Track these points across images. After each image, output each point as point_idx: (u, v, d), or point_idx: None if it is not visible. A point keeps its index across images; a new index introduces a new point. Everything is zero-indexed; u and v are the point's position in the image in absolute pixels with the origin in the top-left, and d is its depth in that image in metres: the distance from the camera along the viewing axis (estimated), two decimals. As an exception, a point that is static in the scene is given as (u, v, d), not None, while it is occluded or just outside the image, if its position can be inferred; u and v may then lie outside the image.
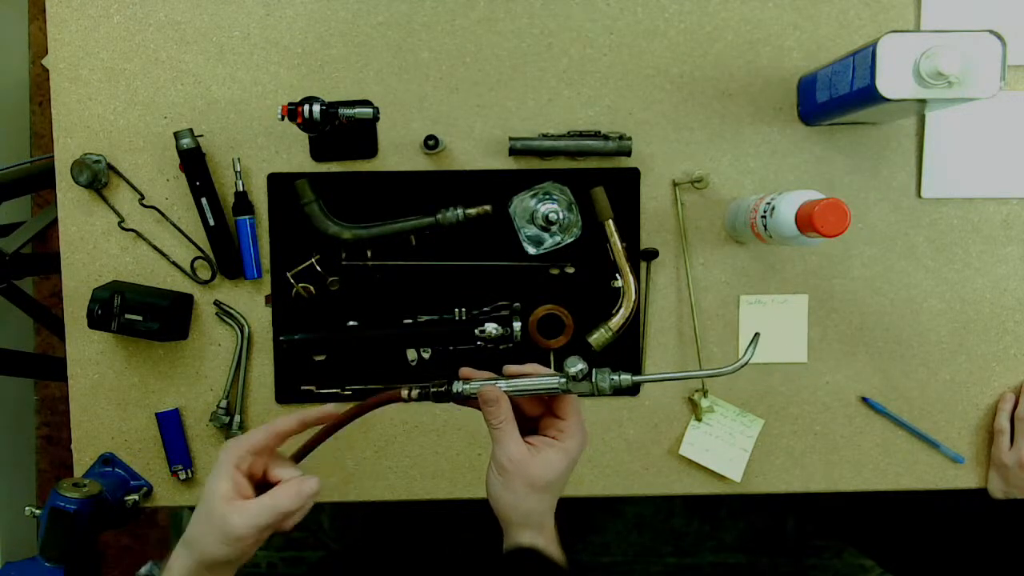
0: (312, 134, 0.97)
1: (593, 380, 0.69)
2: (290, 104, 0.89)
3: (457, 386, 0.71)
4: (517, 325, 0.99)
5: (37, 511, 0.91)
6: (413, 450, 1.04)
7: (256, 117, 1.00)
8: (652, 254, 1.01)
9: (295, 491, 0.64)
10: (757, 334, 0.73)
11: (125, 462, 1.02)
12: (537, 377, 0.70)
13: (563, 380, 0.69)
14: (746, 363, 0.69)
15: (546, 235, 0.99)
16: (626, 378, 0.69)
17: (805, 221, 0.82)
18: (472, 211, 0.98)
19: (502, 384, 0.70)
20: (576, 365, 0.68)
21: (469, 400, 0.71)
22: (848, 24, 1.01)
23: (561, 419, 0.71)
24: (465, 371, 0.72)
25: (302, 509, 0.65)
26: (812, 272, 1.03)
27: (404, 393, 0.71)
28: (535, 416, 0.73)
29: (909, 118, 1.01)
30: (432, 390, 0.71)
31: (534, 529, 0.69)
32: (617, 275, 1.01)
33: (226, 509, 0.62)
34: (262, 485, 0.67)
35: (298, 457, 0.73)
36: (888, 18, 1.01)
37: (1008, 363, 1.04)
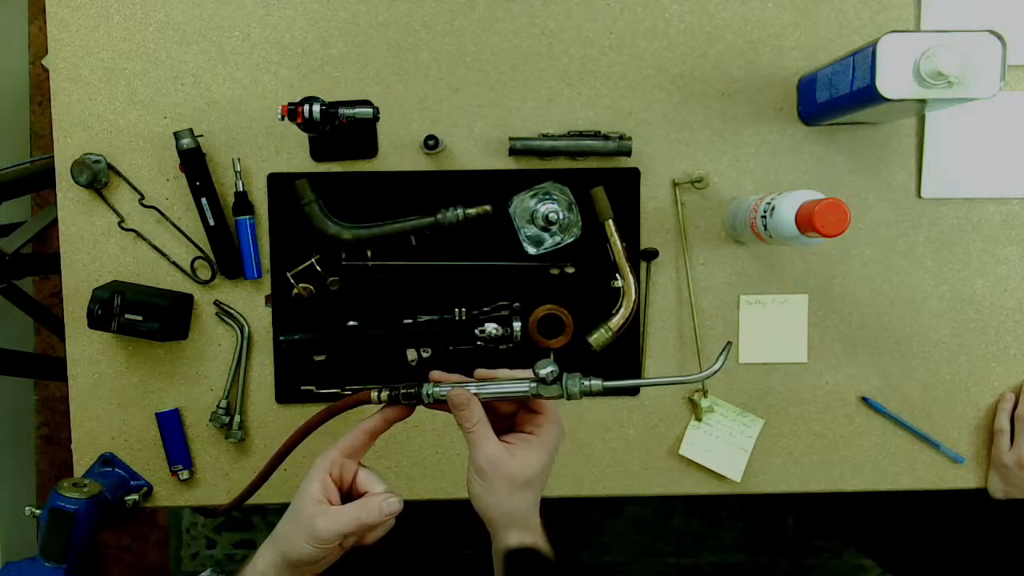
0: (312, 134, 0.97)
1: (563, 384, 0.68)
2: (290, 104, 0.89)
3: (427, 389, 0.69)
4: (517, 325, 0.99)
5: (37, 511, 0.91)
6: (413, 450, 1.04)
7: (256, 117, 1.00)
8: (652, 254, 1.01)
9: (377, 507, 0.66)
10: (729, 343, 0.73)
11: (125, 462, 1.02)
12: (507, 382, 0.69)
13: (533, 385, 0.68)
14: (717, 371, 0.68)
15: (546, 235, 0.99)
16: (596, 383, 0.68)
17: (805, 221, 0.82)
18: (472, 211, 0.98)
19: (472, 387, 0.69)
20: (546, 367, 0.67)
21: (440, 404, 0.70)
22: (848, 24, 1.01)
23: (536, 413, 0.70)
24: (435, 375, 0.71)
25: (384, 525, 0.68)
26: (812, 272, 1.03)
27: (373, 395, 0.71)
28: (509, 413, 0.73)
29: (909, 118, 1.01)
30: (402, 391, 0.70)
31: (519, 527, 0.69)
32: (617, 275, 1.01)
33: (314, 510, 0.66)
34: (350, 496, 0.70)
35: (270, 465, 0.76)
36: (888, 18, 1.01)
37: (1008, 363, 1.04)
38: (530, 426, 0.70)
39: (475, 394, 0.69)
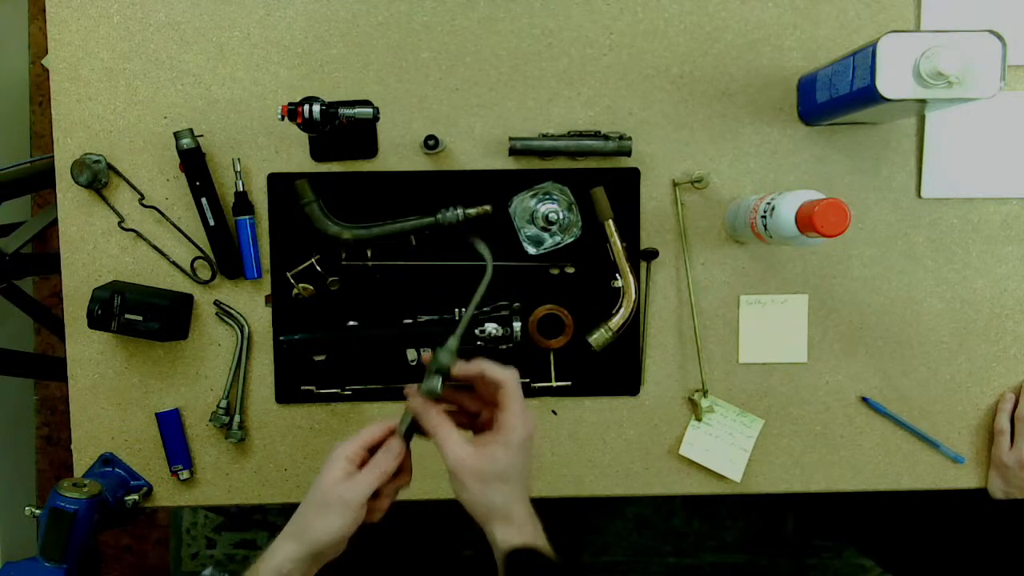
0: (312, 134, 0.97)
1: (435, 364, 0.72)
2: (290, 104, 0.89)
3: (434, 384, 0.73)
4: (517, 325, 0.99)
5: (37, 511, 0.91)
6: (413, 450, 1.03)
7: (256, 117, 1.00)
8: (652, 254, 1.01)
9: (384, 453, 0.73)
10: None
11: (125, 462, 1.02)
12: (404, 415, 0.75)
13: (416, 397, 0.72)
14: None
15: (546, 235, 0.99)
16: (451, 341, 0.72)
17: (805, 221, 0.82)
18: (472, 211, 0.98)
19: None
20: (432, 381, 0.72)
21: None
22: (848, 24, 1.01)
23: (500, 412, 0.72)
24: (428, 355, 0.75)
25: (390, 492, 0.74)
26: (812, 272, 1.03)
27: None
28: (476, 412, 0.77)
29: (909, 118, 1.01)
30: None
31: (501, 520, 0.71)
32: (617, 275, 1.01)
33: (340, 488, 0.70)
34: None
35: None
36: (888, 18, 1.01)
37: (1008, 363, 1.04)
38: (496, 424, 0.72)
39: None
